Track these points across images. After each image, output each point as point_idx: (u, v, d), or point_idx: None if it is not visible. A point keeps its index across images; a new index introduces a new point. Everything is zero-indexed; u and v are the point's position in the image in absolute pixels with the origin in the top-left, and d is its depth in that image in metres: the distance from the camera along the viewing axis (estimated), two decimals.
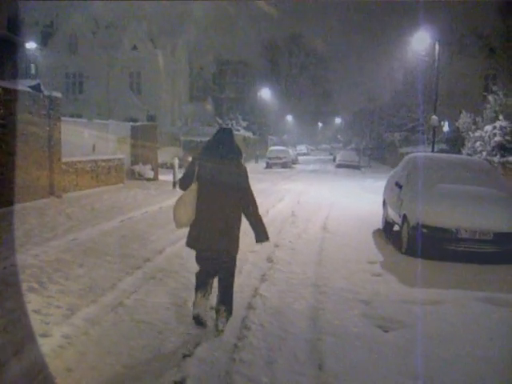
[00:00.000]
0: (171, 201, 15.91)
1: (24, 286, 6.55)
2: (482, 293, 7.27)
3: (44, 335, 5.01)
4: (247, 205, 5.51)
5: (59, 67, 45.80)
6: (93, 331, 5.32)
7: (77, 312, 5.79)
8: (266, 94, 61.23)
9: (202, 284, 5.53)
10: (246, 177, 5.52)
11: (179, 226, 5.49)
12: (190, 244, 5.50)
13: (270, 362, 4.78)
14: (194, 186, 5.38)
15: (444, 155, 15.23)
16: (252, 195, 5.55)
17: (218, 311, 5.44)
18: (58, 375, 4.30)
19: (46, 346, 4.78)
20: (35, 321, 5.37)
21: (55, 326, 5.28)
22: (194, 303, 5.54)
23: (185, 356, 4.84)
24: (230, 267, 5.56)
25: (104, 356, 4.77)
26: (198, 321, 5.46)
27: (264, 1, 64.46)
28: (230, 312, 5.51)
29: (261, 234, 5.58)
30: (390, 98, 52.69)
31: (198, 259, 5.59)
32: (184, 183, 5.52)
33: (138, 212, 13.46)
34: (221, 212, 5.35)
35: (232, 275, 5.60)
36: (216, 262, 5.47)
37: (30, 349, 4.66)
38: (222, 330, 5.36)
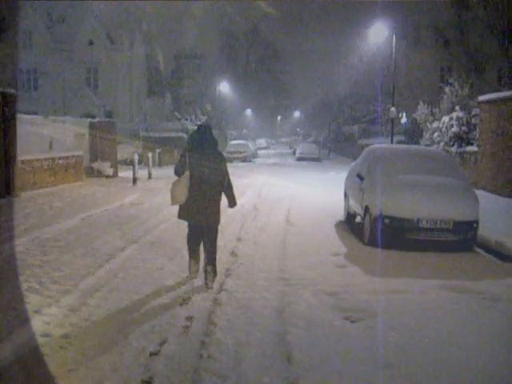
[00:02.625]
0: (131, 197, 15.81)
1: None
2: (443, 281, 7.40)
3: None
4: (225, 187, 7.07)
5: (12, 63, 44.54)
6: (55, 332, 5.20)
7: (35, 315, 5.61)
8: (224, 88, 60.99)
9: (192, 252, 7.17)
10: (225, 164, 7.09)
11: (175, 203, 6.92)
12: (181, 216, 7.00)
13: (237, 357, 4.74)
14: (186, 173, 6.78)
15: (404, 146, 15.47)
16: (229, 180, 7.12)
17: (206, 271, 6.93)
18: None
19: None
20: None
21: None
22: (190, 268, 7.20)
23: (151, 354, 4.77)
24: (213, 235, 7.06)
25: (77, 353, 4.67)
26: (192, 274, 7.18)
27: None
28: (215, 272, 6.94)
29: (232, 202, 7.26)
30: (348, 90, 53.15)
31: (189, 226, 7.14)
32: (178, 170, 6.95)
33: (98, 210, 13.23)
34: (206, 192, 6.82)
35: (215, 241, 7.07)
36: (201, 229, 7.03)
37: None
38: (211, 287, 6.80)
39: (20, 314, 5.59)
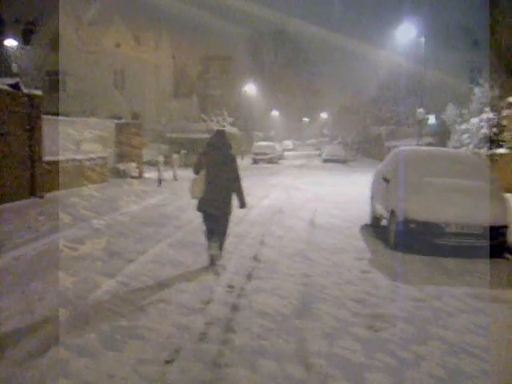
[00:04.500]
0: (155, 199, 15.79)
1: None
2: (471, 289, 7.18)
3: None
4: (235, 183, 7.98)
5: (42, 65, 45.17)
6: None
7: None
8: (251, 89, 60.90)
9: (209, 237, 7.96)
10: (235, 163, 8.03)
11: (194, 197, 7.97)
12: (199, 209, 7.96)
13: (253, 366, 4.58)
14: (203, 172, 7.86)
15: (431, 148, 15.13)
16: (238, 176, 7.98)
17: (213, 249, 7.86)
18: None
19: None
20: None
21: None
22: (209, 247, 7.91)
23: (166, 362, 4.64)
24: (224, 222, 8.03)
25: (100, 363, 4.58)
26: (212, 260, 7.87)
27: None
28: (220, 250, 8.01)
29: (242, 203, 8.12)
30: (375, 91, 52.71)
31: (204, 219, 8.04)
32: (196, 169, 7.99)
33: (121, 211, 13.19)
34: (219, 187, 7.81)
35: (225, 227, 8.07)
36: (215, 219, 7.88)
37: None
38: (217, 264, 7.87)
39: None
